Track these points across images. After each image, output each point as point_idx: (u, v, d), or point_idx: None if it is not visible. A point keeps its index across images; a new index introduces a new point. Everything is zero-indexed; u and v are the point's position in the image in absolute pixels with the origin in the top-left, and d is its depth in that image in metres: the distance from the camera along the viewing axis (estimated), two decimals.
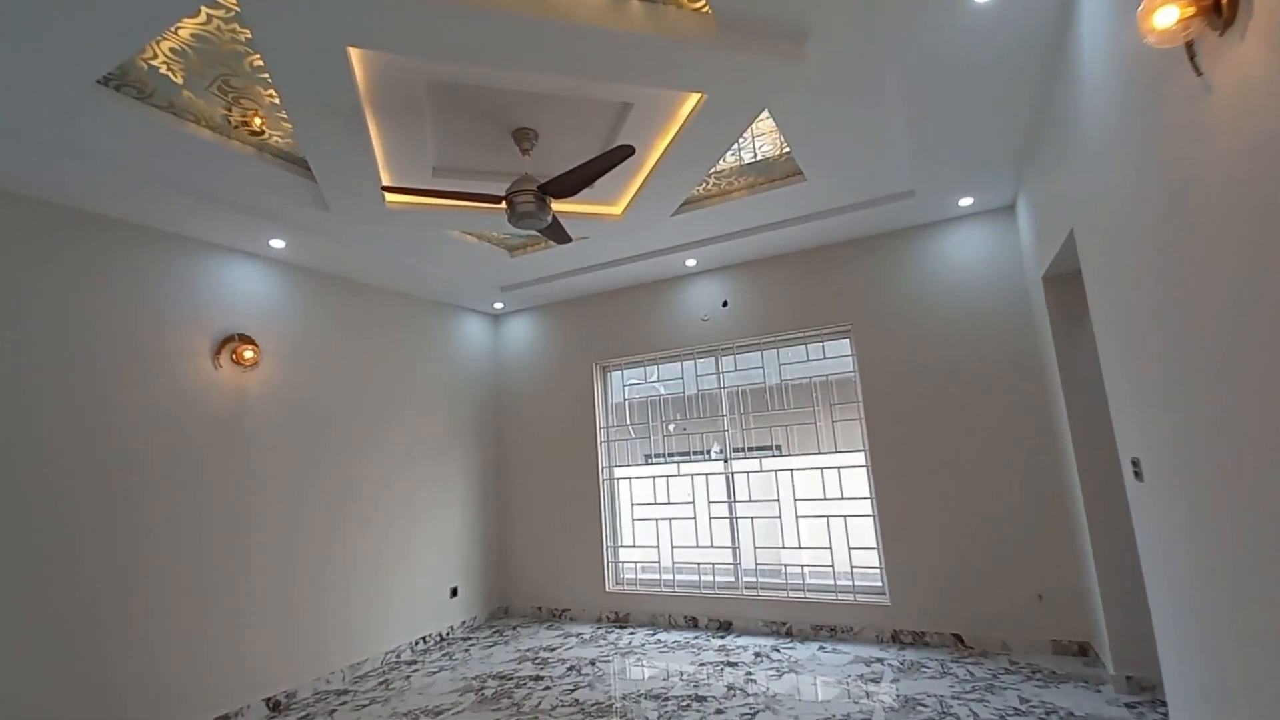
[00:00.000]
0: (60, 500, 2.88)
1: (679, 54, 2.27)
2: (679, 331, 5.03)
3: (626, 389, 5.38)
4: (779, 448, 4.70)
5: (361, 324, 4.55)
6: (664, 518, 5.00)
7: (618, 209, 3.77)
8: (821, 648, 4.03)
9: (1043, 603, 3.67)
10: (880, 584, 4.19)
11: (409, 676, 4.04)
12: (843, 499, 4.36)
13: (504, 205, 2.83)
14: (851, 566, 4.29)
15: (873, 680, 3.45)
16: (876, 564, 4.21)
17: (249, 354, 3.71)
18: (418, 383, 4.95)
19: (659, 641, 4.40)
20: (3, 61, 2.06)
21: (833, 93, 2.62)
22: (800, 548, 4.47)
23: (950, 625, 3.89)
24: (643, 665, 3.95)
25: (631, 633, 4.66)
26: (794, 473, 4.55)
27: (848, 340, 4.49)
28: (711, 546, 4.78)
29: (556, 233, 3.25)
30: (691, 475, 4.93)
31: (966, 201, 3.87)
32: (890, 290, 4.28)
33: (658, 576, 4.96)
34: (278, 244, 3.75)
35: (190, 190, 3.02)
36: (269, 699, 3.60)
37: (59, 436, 2.91)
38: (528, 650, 4.41)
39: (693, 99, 2.69)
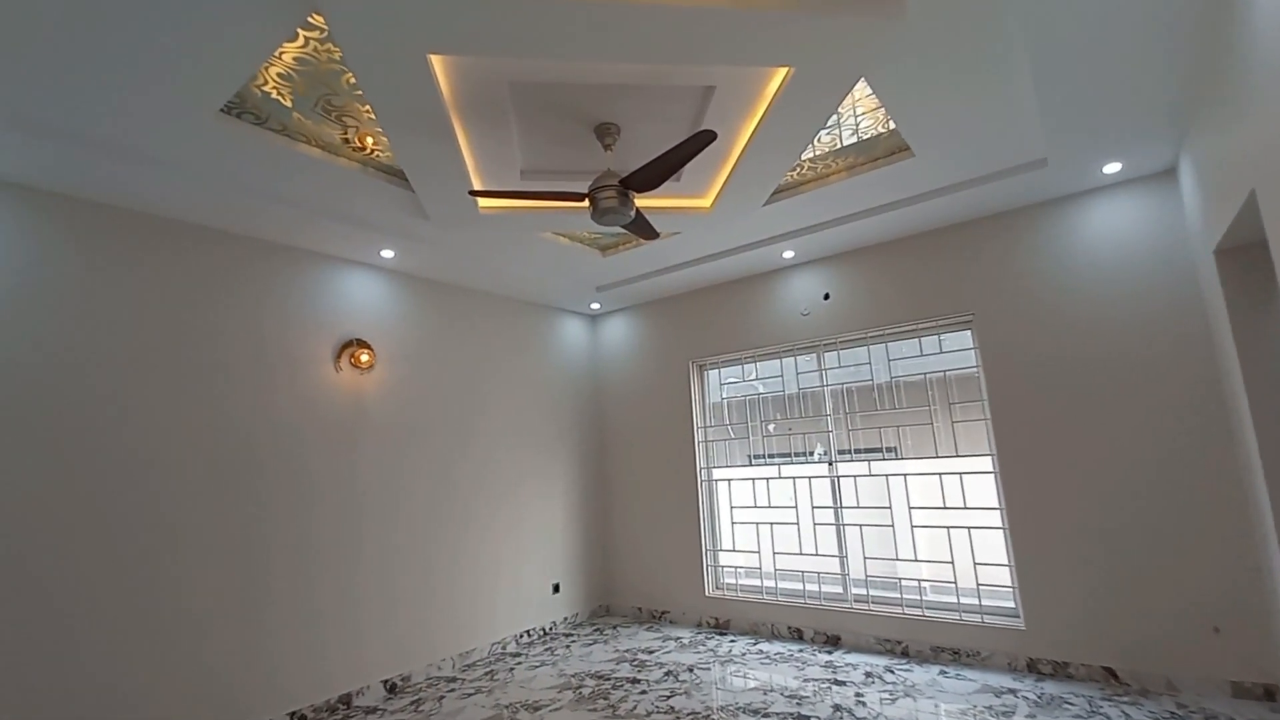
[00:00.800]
0: (192, 499, 3.21)
1: (760, 25, 2.11)
2: (777, 327, 4.79)
3: (724, 388, 5.22)
4: (892, 450, 4.34)
5: (466, 327, 4.74)
6: (765, 522, 4.79)
7: (706, 201, 3.63)
8: (943, 672, 3.65)
9: (1220, 635, 3.08)
10: (1013, 605, 3.73)
11: (512, 669, 4.15)
12: (966, 508, 3.93)
13: (587, 203, 2.81)
14: (978, 583, 3.85)
15: (1005, 714, 3.06)
16: (1008, 582, 3.75)
17: (365, 357, 3.98)
18: (520, 384, 5.10)
19: (760, 652, 4.21)
20: (138, 97, 2.31)
21: (940, 54, 2.33)
22: (917, 560, 4.09)
23: (1100, 656, 3.38)
24: (742, 676, 3.79)
25: (732, 640, 4.50)
26: (908, 478, 4.17)
27: (969, 332, 4.06)
28: (816, 554, 4.50)
29: (642, 228, 3.18)
30: (793, 478, 4.68)
31: (1113, 168, 3.35)
32: (1020, 274, 3.81)
33: (759, 583, 4.76)
34: (388, 254, 3.99)
35: (306, 206, 3.27)
36: (386, 681, 3.83)
37: (191, 441, 3.24)
38: (626, 651, 4.38)
39: (779, 75, 2.51)
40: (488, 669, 4.19)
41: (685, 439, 5.20)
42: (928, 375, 4.16)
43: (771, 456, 4.85)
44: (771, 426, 4.91)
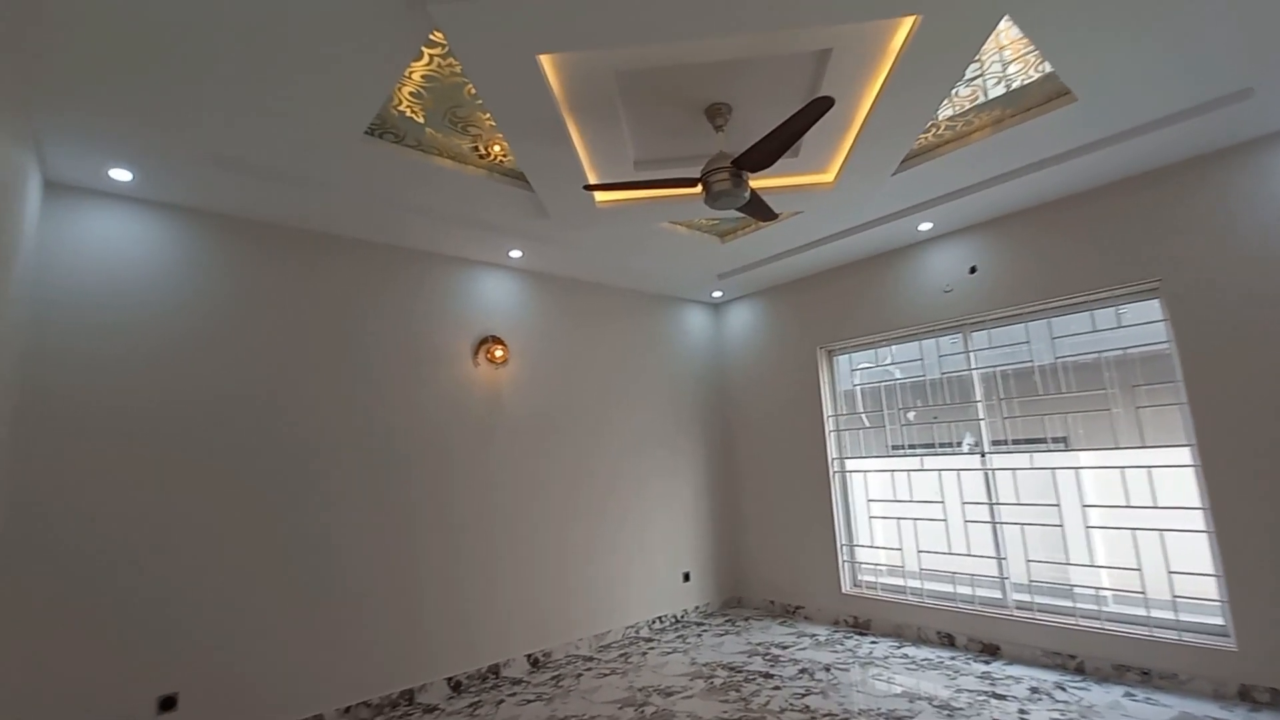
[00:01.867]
0: (351, 486, 3.60)
1: None
2: (915, 307, 4.41)
3: (855, 374, 4.91)
4: (1060, 441, 3.83)
5: (590, 321, 4.89)
6: (906, 517, 4.45)
7: (829, 176, 3.42)
8: (1129, 694, 3.17)
9: None
10: (1221, 621, 3.15)
11: (645, 653, 4.23)
12: (1156, 507, 3.37)
13: (700, 188, 2.75)
14: (1173, 595, 3.29)
15: None
16: (1215, 595, 3.17)
17: (499, 352, 4.24)
18: (645, 375, 5.17)
19: (905, 656, 3.92)
20: (298, 128, 2.62)
21: None
22: (1094, 565, 3.58)
23: None
24: (884, 680, 3.55)
25: (873, 642, 4.24)
26: (1079, 471, 3.66)
27: (1155, 302, 3.46)
28: (968, 555, 4.10)
29: (758, 210, 3.07)
30: (939, 470, 4.30)
31: None
32: (1221, 230, 3.17)
33: (903, 582, 4.43)
34: (515, 253, 4.21)
35: (441, 213, 3.54)
36: (529, 655, 4.07)
37: (351, 433, 3.63)
38: (759, 644, 4.29)
39: (905, 26, 2.28)
40: (621, 651, 4.31)
41: (815, 429, 4.97)
42: (1102, 354, 3.61)
43: (912, 447, 4.49)
44: (911, 415, 4.54)
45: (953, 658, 3.84)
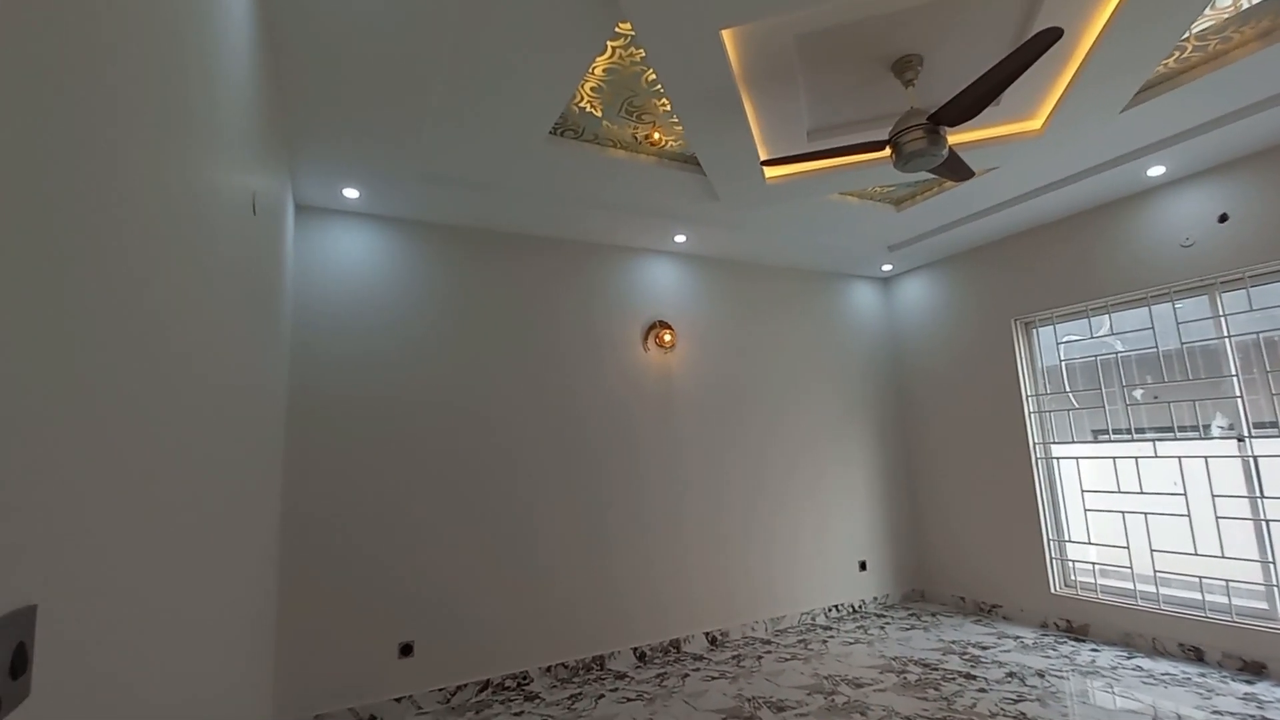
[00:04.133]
0: (545, 472, 3.86)
1: None
2: (1141, 267, 3.79)
3: (1061, 348, 4.33)
4: None
5: (754, 302, 4.81)
6: (1134, 511, 3.85)
7: (1036, 122, 3.02)
8: None
9: None
10: None
11: (825, 641, 4.11)
12: None
13: (889, 152, 2.57)
14: None
15: None
16: None
17: (668, 337, 4.32)
18: (813, 356, 4.99)
19: (1137, 668, 3.42)
20: (488, 134, 2.83)
21: None
22: None
23: None
24: (1114, 693, 3.13)
25: (1094, 650, 3.75)
26: None
27: None
28: (1221, 557, 3.46)
29: (955, 168, 2.80)
30: (1179, 457, 3.67)
31: None
32: None
33: (1130, 585, 3.86)
34: (680, 238, 4.25)
35: (615, 204, 3.66)
36: (708, 633, 4.14)
37: (537, 417, 3.89)
38: (953, 642, 3.98)
39: None
40: (800, 637, 4.23)
41: (1011, 411, 4.48)
42: None
43: (1140, 431, 3.87)
44: (1139, 393, 3.91)
45: (1202, 674, 3.28)
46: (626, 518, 4.04)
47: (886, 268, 5.22)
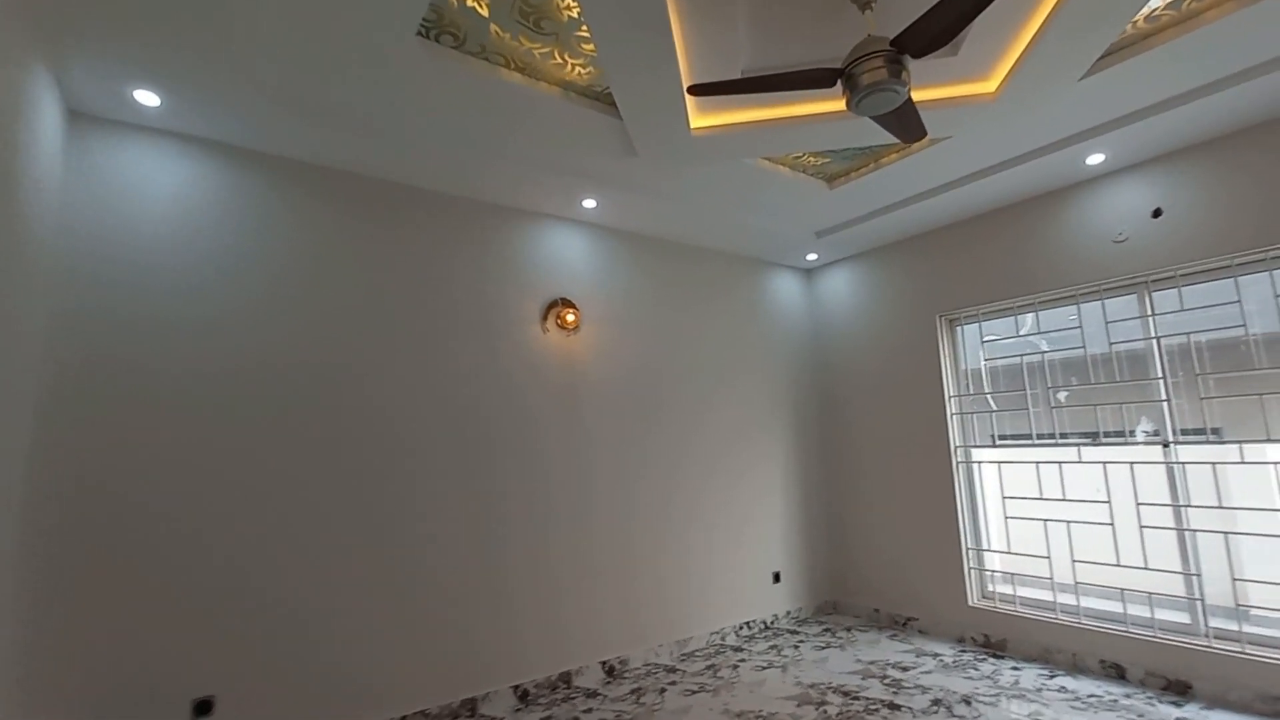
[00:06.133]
0: (433, 460, 3.16)
1: None
2: (1071, 263, 3.60)
3: (986, 347, 4.12)
4: None
5: (672, 284, 4.30)
6: (1057, 519, 3.66)
7: (990, 84, 2.69)
8: None
9: None
10: None
11: (736, 666, 3.65)
12: None
13: (841, 91, 2.11)
14: None
15: None
16: None
17: (570, 317, 3.71)
18: (734, 349, 4.54)
19: (1061, 689, 3.19)
20: (332, 28, 2.12)
21: None
22: None
23: None
24: None
25: (1015, 668, 3.51)
26: None
27: None
28: (1145, 568, 3.30)
29: (908, 122, 2.38)
30: (1103, 463, 3.50)
31: None
32: None
33: (1050, 597, 3.66)
34: (589, 203, 3.66)
35: (507, 151, 3.02)
36: (604, 662, 3.57)
37: (418, 403, 3.18)
38: (871, 663, 3.64)
39: None
40: (708, 662, 3.74)
41: (934, 412, 4.23)
42: None
43: (1064, 435, 3.70)
44: (1063, 395, 3.74)
45: (1128, 695, 3.08)
46: (523, 523, 3.40)
47: (812, 257, 4.88)
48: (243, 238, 2.81)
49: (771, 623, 4.41)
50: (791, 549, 4.64)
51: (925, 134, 2.49)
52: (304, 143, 2.84)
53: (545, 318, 3.69)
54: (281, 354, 2.83)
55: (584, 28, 2.33)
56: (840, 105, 2.75)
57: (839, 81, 2.11)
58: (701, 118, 2.86)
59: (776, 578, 4.52)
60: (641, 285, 4.14)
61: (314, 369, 2.90)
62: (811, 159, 3.48)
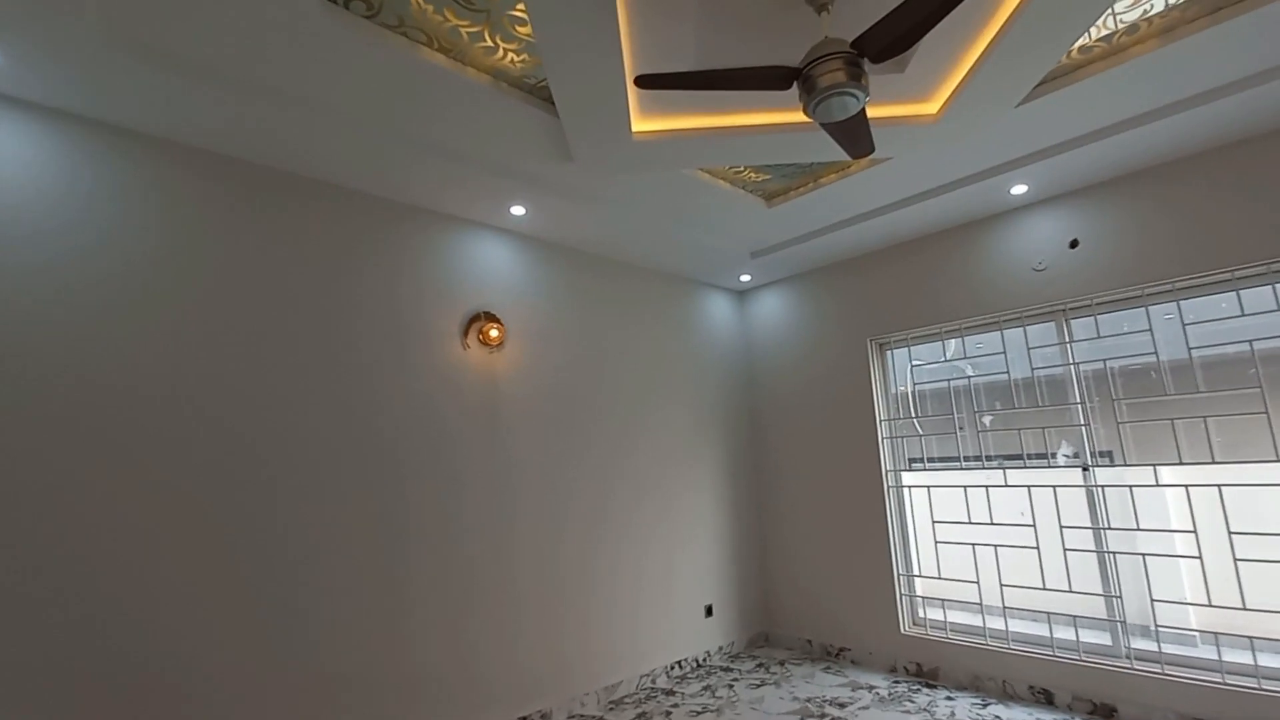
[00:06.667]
0: (324, 487, 2.73)
1: None
2: (994, 290, 3.69)
3: (915, 371, 4.16)
4: (1207, 449, 3.12)
5: (602, 301, 4.07)
6: (985, 543, 3.68)
7: (933, 105, 2.67)
8: None
9: None
10: None
11: (669, 712, 3.38)
12: None
13: (796, 90, 1.99)
14: None
15: None
16: None
17: (494, 332, 3.40)
18: (666, 371, 4.35)
19: (996, 719, 3.14)
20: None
21: None
22: (1246, 609, 2.84)
23: None
24: None
25: (949, 698, 3.45)
26: (1222, 489, 2.94)
27: None
28: (1069, 591, 3.34)
29: (858, 136, 2.30)
30: (1028, 487, 3.55)
31: None
32: None
33: (980, 622, 3.66)
34: (518, 210, 3.38)
35: (426, 145, 2.71)
36: (524, 718, 3.19)
37: (324, 422, 2.77)
38: (808, 700, 3.47)
39: None
40: (638, 709, 3.45)
41: (865, 436, 4.20)
42: (1255, 345, 2.91)
43: (990, 458, 3.74)
44: (988, 419, 3.80)
45: None
46: (436, 564, 3.01)
47: (745, 278, 4.81)
48: (99, 229, 2.33)
49: (704, 660, 4.18)
50: (725, 580, 4.45)
51: (873, 149, 2.42)
52: (182, 119, 2.40)
53: (466, 333, 3.35)
54: (137, 367, 2.35)
55: (519, 6, 2.10)
56: (789, 117, 2.65)
57: (795, 83, 1.99)
58: (644, 121, 2.68)
59: (709, 611, 4.30)
60: (571, 301, 3.89)
61: (180, 385, 2.43)
62: (752, 174, 3.38)
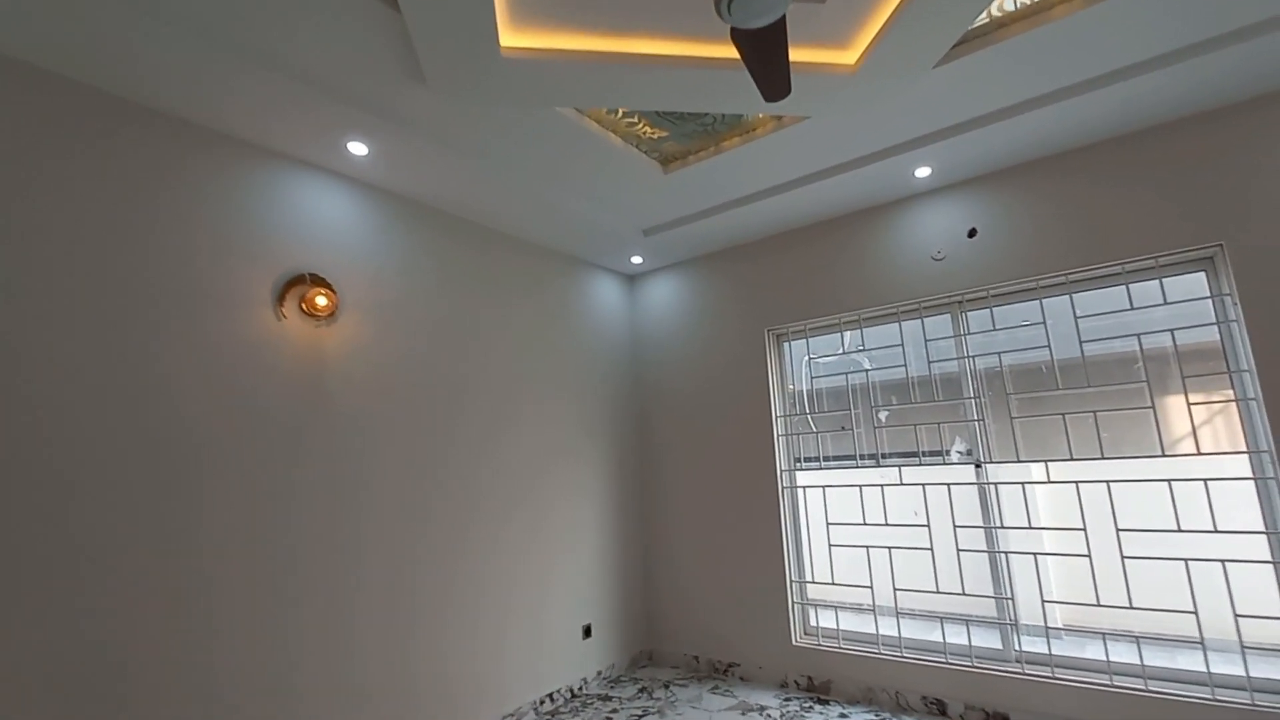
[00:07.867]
0: (95, 492, 1.90)
1: None
2: (894, 280, 3.52)
3: (812, 364, 3.93)
4: (1088, 449, 3.07)
5: (468, 273, 3.44)
6: (879, 545, 3.48)
7: (851, 54, 2.36)
8: None
9: None
10: None
11: None
12: (1216, 532, 2.65)
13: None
14: (1242, 645, 2.57)
15: None
16: None
17: (322, 300, 2.68)
18: (544, 359, 3.80)
19: None
20: None
21: None
22: (1132, 608, 2.79)
23: None
24: None
25: (843, 714, 3.19)
26: (1110, 486, 2.89)
27: (1202, 275, 2.80)
28: (963, 594, 3.20)
29: (774, 66, 1.90)
30: (922, 485, 3.39)
31: None
32: None
33: (873, 630, 3.45)
34: (358, 148, 2.69)
35: (226, 41, 1.98)
36: None
37: (93, 404, 1.94)
38: None
39: None
40: None
41: (761, 434, 3.90)
42: (1144, 341, 2.88)
43: (885, 456, 3.56)
44: (883, 415, 3.62)
45: None
46: (246, 583, 2.24)
47: (637, 260, 4.37)
48: None
49: (580, 689, 3.67)
50: (606, 596, 3.97)
51: (789, 90, 2.03)
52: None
53: (282, 299, 2.61)
54: None
55: None
56: (698, 49, 2.22)
57: None
58: (516, 34, 2.13)
59: (588, 632, 3.80)
60: (427, 268, 3.23)
61: None
62: (648, 129, 2.92)
